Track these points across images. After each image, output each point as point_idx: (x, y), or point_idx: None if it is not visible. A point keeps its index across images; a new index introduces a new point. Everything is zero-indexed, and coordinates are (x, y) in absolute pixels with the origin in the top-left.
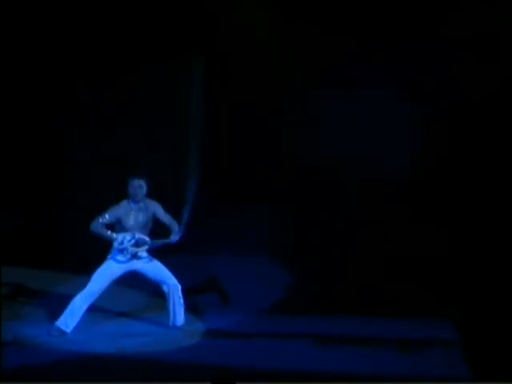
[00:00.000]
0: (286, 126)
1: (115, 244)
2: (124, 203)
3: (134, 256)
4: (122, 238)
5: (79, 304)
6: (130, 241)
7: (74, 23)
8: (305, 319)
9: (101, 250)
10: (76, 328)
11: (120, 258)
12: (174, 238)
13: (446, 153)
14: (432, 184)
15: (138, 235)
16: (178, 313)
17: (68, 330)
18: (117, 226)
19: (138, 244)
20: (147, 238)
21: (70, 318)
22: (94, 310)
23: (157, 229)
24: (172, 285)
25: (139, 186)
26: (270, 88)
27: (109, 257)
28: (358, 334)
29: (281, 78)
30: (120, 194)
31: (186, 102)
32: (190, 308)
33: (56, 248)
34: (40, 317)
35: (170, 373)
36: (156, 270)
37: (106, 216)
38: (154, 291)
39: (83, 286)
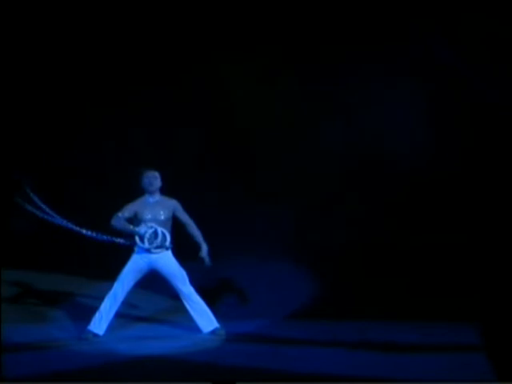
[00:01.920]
0: (298, 126)
1: (136, 237)
2: (140, 199)
3: (159, 247)
4: (144, 230)
5: (109, 305)
6: (151, 233)
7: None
8: (317, 324)
9: (124, 252)
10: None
11: (143, 248)
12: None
13: (458, 152)
14: (450, 186)
15: (159, 228)
16: (202, 319)
17: (101, 333)
18: (134, 221)
19: (157, 236)
20: (167, 234)
21: (101, 320)
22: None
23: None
24: (185, 294)
25: (154, 176)
26: (277, 88)
27: (133, 254)
28: (373, 339)
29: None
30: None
31: (193, 102)
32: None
33: (81, 251)
34: (68, 320)
35: (170, 373)
36: (172, 273)
37: (125, 211)
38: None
39: (110, 287)
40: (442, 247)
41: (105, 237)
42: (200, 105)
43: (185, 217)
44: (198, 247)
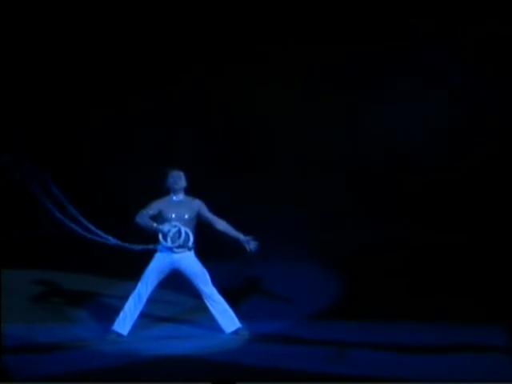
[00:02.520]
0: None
1: (160, 235)
2: (165, 197)
3: (181, 247)
4: (168, 228)
5: (133, 305)
6: (175, 233)
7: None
8: (338, 324)
9: (148, 253)
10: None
11: (166, 247)
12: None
13: (489, 153)
14: (465, 184)
15: (183, 228)
16: (224, 319)
17: (125, 333)
18: (158, 219)
19: (180, 235)
20: (191, 234)
21: (125, 320)
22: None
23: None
24: (208, 294)
25: (178, 176)
26: (302, 90)
27: (155, 253)
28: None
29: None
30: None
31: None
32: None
33: (105, 251)
34: (92, 320)
35: (192, 373)
36: (195, 274)
37: (149, 208)
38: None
39: (134, 287)
40: (463, 247)
41: (135, 247)
42: (207, 105)
43: (210, 215)
44: (233, 240)
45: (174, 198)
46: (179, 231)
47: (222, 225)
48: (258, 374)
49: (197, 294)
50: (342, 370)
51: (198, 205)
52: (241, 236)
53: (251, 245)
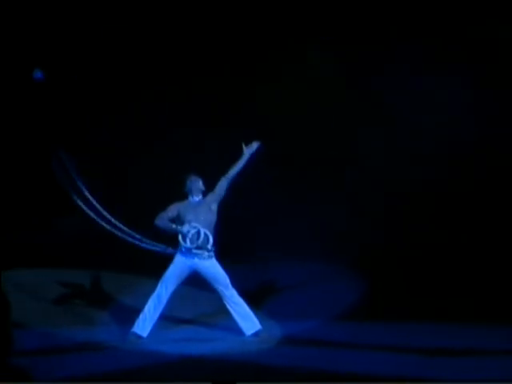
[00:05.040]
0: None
1: (179, 236)
2: (184, 201)
3: (199, 248)
4: (187, 229)
5: (153, 307)
6: (194, 233)
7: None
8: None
9: (168, 255)
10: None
11: (186, 249)
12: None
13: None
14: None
15: (202, 229)
16: (245, 321)
17: (144, 335)
18: (177, 221)
19: (199, 236)
20: (210, 236)
21: (145, 322)
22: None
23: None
24: (228, 296)
25: (196, 180)
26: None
27: (175, 256)
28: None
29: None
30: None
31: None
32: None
33: (124, 252)
34: (112, 322)
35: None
36: (214, 276)
37: (168, 211)
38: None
39: (153, 290)
40: (493, 249)
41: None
42: (227, 110)
43: (217, 188)
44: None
45: (192, 200)
46: (198, 232)
47: (229, 175)
48: (283, 375)
49: (217, 296)
50: (355, 370)
51: (210, 197)
52: (244, 155)
53: (254, 146)
